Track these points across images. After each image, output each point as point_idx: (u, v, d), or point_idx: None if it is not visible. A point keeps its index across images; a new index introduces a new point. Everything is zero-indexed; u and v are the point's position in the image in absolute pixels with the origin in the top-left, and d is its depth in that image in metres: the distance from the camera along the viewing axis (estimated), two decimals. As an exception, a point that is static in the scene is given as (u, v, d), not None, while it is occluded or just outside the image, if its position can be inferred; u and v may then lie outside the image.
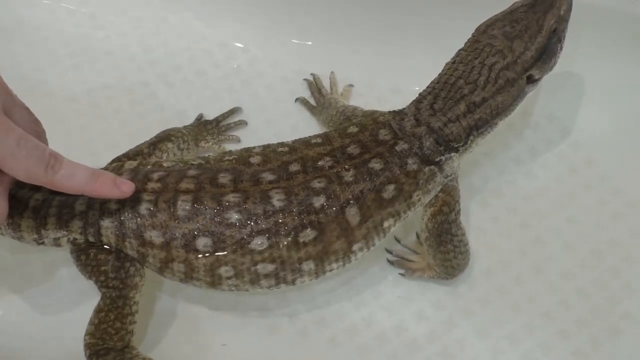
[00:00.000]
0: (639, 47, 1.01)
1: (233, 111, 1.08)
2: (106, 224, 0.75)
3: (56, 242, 0.78)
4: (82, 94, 1.09)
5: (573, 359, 0.86)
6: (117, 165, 0.81)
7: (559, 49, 0.86)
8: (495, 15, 0.86)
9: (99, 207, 0.75)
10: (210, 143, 1.02)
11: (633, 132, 1.02)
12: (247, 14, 1.16)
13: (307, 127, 1.06)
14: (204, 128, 1.03)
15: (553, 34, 0.83)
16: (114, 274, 0.75)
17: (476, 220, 0.97)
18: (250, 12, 1.16)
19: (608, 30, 1.02)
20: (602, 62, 1.03)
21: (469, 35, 0.86)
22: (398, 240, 0.94)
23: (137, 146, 0.90)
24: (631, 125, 1.02)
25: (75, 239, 0.77)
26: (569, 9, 0.85)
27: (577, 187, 0.99)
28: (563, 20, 0.84)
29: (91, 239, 0.76)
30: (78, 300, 0.88)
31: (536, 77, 0.85)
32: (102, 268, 0.76)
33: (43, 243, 0.78)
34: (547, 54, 0.83)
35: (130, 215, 0.74)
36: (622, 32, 1.01)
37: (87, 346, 0.77)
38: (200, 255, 0.74)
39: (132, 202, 0.74)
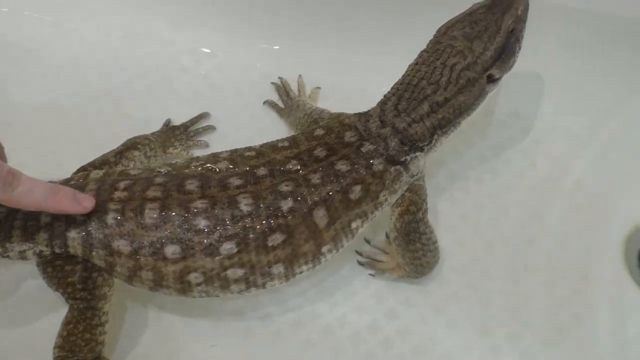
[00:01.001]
0: (596, 43, 1.04)
1: (201, 116, 1.08)
2: (73, 234, 0.74)
3: (22, 255, 0.77)
4: (47, 102, 1.08)
5: (542, 348, 0.88)
6: (82, 175, 0.81)
7: (517, 48, 0.88)
8: (455, 17, 0.88)
9: (64, 218, 0.75)
10: (179, 149, 1.02)
11: (591, 127, 1.04)
12: (215, 19, 1.16)
13: (276, 129, 1.07)
14: (171, 134, 1.03)
15: (511, 34, 0.85)
16: (82, 284, 0.75)
17: (445, 218, 0.98)
18: (218, 17, 1.16)
19: (566, 28, 1.04)
20: (561, 60, 1.06)
21: (431, 37, 0.87)
22: (367, 241, 0.95)
23: (103, 155, 0.89)
24: (589, 120, 1.05)
25: (41, 251, 0.76)
26: (526, 9, 0.87)
27: (540, 182, 1.01)
28: (520, 20, 0.86)
29: (58, 250, 0.75)
30: (47, 312, 0.87)
31: (496, 76, 0.86)
32: (69, 279, 0.75)
33: (8, 256, 0.78)
34: (506, 54, 0.85)
35: (97, 225, 0.74)
36: (579, 29, 1.03)
37: (57, 359, 0.76)
38: (168, 263, 0.73)
39: (98, 212, 0.74)
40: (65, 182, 0.79)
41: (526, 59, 0.90)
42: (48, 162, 1.00)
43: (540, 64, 1.05)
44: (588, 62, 1.05)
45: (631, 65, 1.03)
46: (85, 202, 0.71)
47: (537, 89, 1.07)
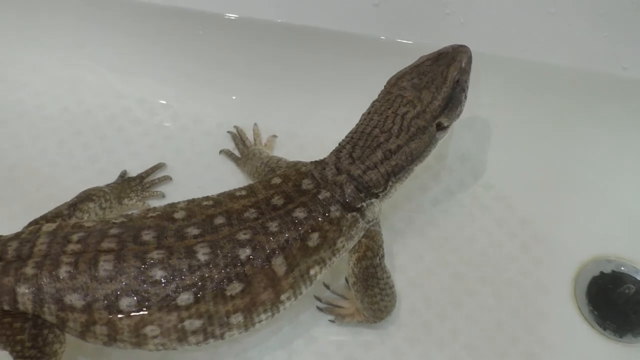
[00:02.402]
0: (535, 91, 1.11)
1: (157, 167, 1.08)
2: (22, 290, 0.72)
3: (-31, 314, 0.74)
4: (-6, 156, 1.06)
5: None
6: (34, 228, 0.79)
7: (463, 97, 0.92)
8: (404, 69, 0.92)
9: (13, 273, 0.72)
10: (134, 200, 1.01)
11: (534, 167, 1.09)
12: (168, 70, 1.18)
13: (233, 179, 1.08)
14: (127, 185, 1.02)
15: (456, 84, 0.90)
16: (31, 342, 0.72)
17: (400, 260, 1.00)
18: (171, 68, 1.18)
19: (507, 77, 1.11)
20: (504, 106, 1.12)
21: (382, 88, 0.91)
22: (327, 287, 0.96)
23: (56, 208, 0.88)
24: (533, 162, 1.10)
25: (-11, 308, 0.73)
26: (469, 62, 0.92)
27: (489, 222, 1.05)
28: (465, 71, 0.91)
29: (6, 307, 0.73)
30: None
31: (445, 124, 0.90)
32: (18, 337, 0.72)
33: (-46, 315, 0.74)
34: (453, 103, 0.90)
35: (48, 279, 0.72)
36: (518, 77, 1.10)
37: (3, 423, 0.72)
38: (123, 316, 0.72)
39: (50, 265, 0.72)
40: (16, 236, 0.77)
41: (472, 107, 0.95)
42: (-2, 216, 0.98)
43: (485, 111, 1.11)
44: (529, 107, 1.12)
45: (568, 108, 1.09)
46: None
47: (483, 135, 1.12)
